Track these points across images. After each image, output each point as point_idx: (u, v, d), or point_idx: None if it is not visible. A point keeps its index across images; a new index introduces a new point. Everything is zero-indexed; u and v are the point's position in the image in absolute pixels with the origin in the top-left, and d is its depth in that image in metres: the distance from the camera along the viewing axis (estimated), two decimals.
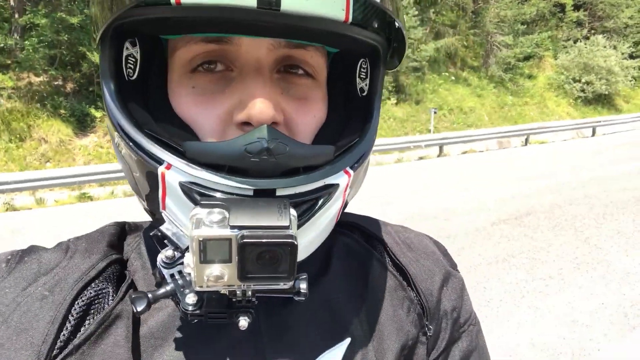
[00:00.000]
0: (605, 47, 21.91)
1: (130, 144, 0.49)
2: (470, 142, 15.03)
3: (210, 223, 0.42)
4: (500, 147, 15.75)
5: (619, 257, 5.75)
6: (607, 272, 5.32)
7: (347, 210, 0.63)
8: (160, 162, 0.47)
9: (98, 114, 11.88)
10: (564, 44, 23.65)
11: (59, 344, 0.48)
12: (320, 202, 0.50)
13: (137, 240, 0.61)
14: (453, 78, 19.18)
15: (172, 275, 0.47)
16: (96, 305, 0.52)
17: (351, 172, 0.52)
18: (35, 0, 11.62)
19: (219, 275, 0.42)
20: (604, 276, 5.20)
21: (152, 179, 0.49)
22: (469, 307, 0.72)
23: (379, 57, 0.59)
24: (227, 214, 0.42)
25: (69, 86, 12.24)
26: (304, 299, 0.46)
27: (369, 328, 0.60)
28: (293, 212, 0.44)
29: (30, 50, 10.99)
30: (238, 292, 0.45)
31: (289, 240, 0.41)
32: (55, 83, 12.13)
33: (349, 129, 0.57)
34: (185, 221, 0.47)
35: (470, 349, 0.69)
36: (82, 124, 11.87)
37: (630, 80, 22.77)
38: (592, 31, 24.30)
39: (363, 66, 0.60)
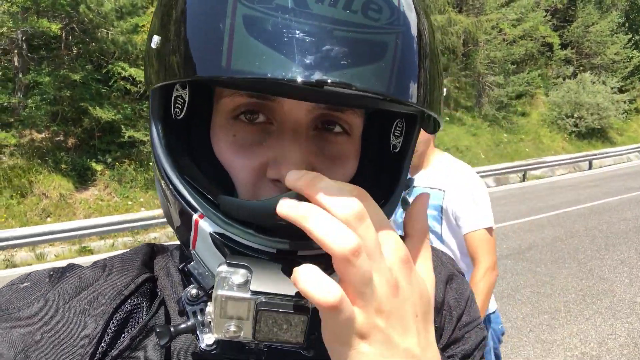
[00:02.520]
0: (593, 82, 22.37)
1: (171, 187, 0.52)
2: None
3: (233, 284, 0.44)
4: (498, 183, 15.81)
5: (624, 287, 5.70)
6: (613, 302, 5.26)
7: None
8: (195, 210, 0.50)
9: (99, 168, 12.00)
10: (554, 81, 24.15)
11: (97, 355, 0.52)
12: None
13: (165, 261, 0.65)
14: (447, 118, 19.48)
15: (194, 313, 0.51)
16: (132, 320, 0.55)
17: None
18: (39, 60, 11.98)
19: (236, 330, 0.44)
20: (610, 307, 5.14)
21: (186, 219, 0.52)
22: (475, 312, 0.73)
23: (415, 119, 0.60)
24: (249, 277, 0.45)
25: (71, 141, 12.43)
26: (310, 354, 0.48)
27: None
28: None
29: (33, 108, 11.25)
30: (252, 343, 0.48)
31: (303, 314, 0.43)
32: (57, 139, 12.32)
33: (376, 187, 0.57)
34: (211, 265, 0.51)
35: (471, 351, 0.69)
36: (83, 178, 11.97)
37: (622, 114, 23.10)
38: (581, 68, 24.88)
39: (399, 125, 0.61)
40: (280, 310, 0.43)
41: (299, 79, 0.39)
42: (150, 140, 0.55)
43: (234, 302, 0.43)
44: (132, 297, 0.56)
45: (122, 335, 0.54)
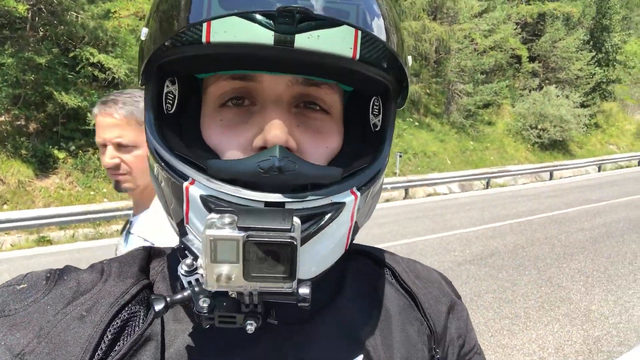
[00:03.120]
0: (558, 96, 23.13)
1: (162, 163, 0.54)
2: (435, 184, 15.37)
3: (222, 225, 0.45)
4: (462, 190, 16.15)
5: (580, 295, 5.91)
6: (570, 309, 5.46)
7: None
8: (185, 178, 0.52)
9: (61, 155, 11.61)
10: (521, 93, 24.84)
11: None
12: (327, 217, 0.53)
13: (161, 265, 0.65)
14: (417, 124, 19.77)
15: (189, 282, 0.51)
16: (129, 328, 0.55)
17: (358, 193, 0.56)
18: (2, 40, 11.49)
19: (228, 274, 0.45)
20: (567, 314, 5.33)
21: (178, 193, 0.53)
22: (473, 336, 0.75)
23: (389, 95, 0.63)
24: (236, 218, 0.46)
25: (32, 126, 11.98)
26: (307, 305, 0.49)
27: (381, 345, 0.63)
28: (297, 220, 0.48)
29: None
30: (245, 295, 0.48)
31: (289, 241, 0.44)
32: (18, 123, 11.85)
33: (360, 158, 0.61)
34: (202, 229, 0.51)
35: None
36: (44, 165, 11.55)
37: (583, 128, 23.98)
38: (547, 81, 25.66)
39: (376, 104, 0.65)
40: (266, 239, 0.44)
41: (262, 9, 0.46)
42: (145, 132, 0.57)
43: (222, 242, 0.44)
44: (130, 305, 0.56)
45: (118, 344, 0.53)
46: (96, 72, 12.00)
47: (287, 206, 0.50)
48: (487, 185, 16.76)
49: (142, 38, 0.57)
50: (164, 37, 0.52)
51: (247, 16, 0.49)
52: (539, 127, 22.57)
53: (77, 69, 11.95)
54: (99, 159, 11.90)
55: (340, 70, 0.56)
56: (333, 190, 0.53)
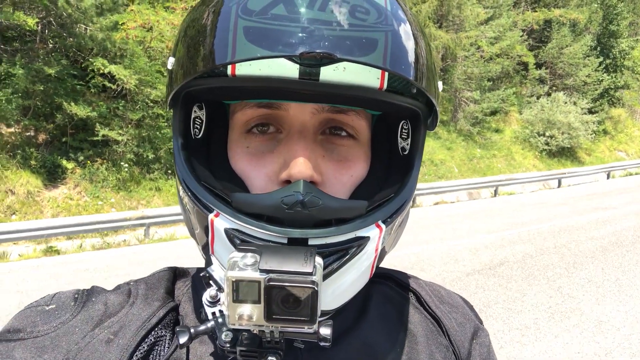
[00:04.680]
0: (565, 103, 23.01)
1: (189, 193, 0.55)
2: (442, 193, 15.30)
3: (244, 266, 0.46)
4: (470, 198, 16.06)
5: (591, 306, 5.83)
6: (581, 320, 5.38)
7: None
8: (210, 210, 0.53)
9: (70, 165, 11.69)
10: (528, 100, 24.72)
11: None
12: (350, 252, 0.52)
13: (186, 285, 0.66)
14: None
15: (213, 314, 0.52)
16: (154, 352, 0.55)
17: (383, 226, 0.55)
18: (12, 52, 11.63)
19: (249, 314, 0.45)
20: (577, 325, 5.26)
21: (203, 222, 0.54)
22: None
23: (419, 119, 0.62)
24: (258, 258, 0.46)
25: (41, 137, 12.08)
26: (328, 344, 0.48)
27: None
28: (319, 260, 0.48)
29: (3, 101, 10.88)
30: (267, 333, 0.48)
31: (311, 286, 0.44)
32: (27, 134, 11.96)
33: (387, 185, 0.60)
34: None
35: None
36: (53, 176, 11.63)
37: (591, 134, 23.80)
38: (554, 88, 25.55)
39: (404, 127, 0.64)
40: (288, 284, 0.44)
41: (286, 53, 0.46)
42: (173, 155, 0.58)
43: (244, 283, 0.44)
44: (156, 329, 0.56)
45: None
46: (106, 83, 12.09)
47: (311, 242, 0.51)
48: (495, 194, 16.65)
49: (169, 67, 0.58)
50: (191, 72, 0.53)
51: None
52: (547, 134, 22.44)
53: (87, 79, 12.05)
54: (106, 169, 11.99)
55: (367, 100, 0.55)
56: (357, 225, 0.53)
